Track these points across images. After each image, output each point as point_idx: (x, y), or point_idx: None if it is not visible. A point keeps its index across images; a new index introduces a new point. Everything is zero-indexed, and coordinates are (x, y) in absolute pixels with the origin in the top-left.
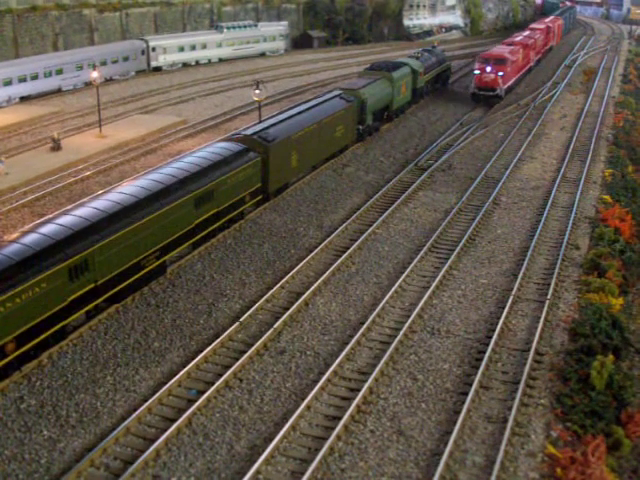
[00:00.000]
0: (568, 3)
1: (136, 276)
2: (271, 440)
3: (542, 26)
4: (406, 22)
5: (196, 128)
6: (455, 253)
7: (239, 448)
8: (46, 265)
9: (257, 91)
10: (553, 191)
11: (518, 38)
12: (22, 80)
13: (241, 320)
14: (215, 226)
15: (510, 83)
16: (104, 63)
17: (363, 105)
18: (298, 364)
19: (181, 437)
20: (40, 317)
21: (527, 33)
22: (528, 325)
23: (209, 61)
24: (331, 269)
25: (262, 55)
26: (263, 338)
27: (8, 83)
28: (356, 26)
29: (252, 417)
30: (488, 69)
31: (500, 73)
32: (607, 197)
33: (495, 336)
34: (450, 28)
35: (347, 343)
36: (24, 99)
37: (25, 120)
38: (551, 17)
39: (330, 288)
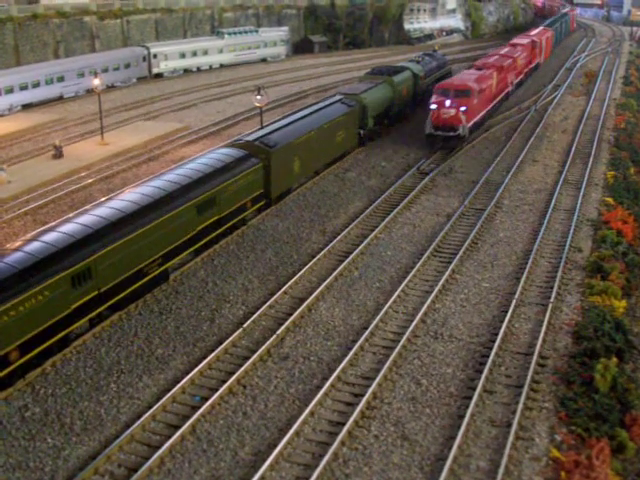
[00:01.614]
0: (568, 6)
1: (139, 283)
2: (275, 446)
3: (525, 41)
4: (407, 26)
5: (198, 134)
6: (458, 257)
7: (243, 454)
8: (49, 273)
9: (258, 97)
10: (555, 194)
11: (492, 59)
12: (24, 88)
13: (244, 326)
14: (217, 232)
15: (477, 118)
16: (105, 70)
17: (364, 110)
18: (301, 370)
19: (185, 444)
20: (43, 325)
21: (505, 51)
22: (531, 329)
23: (210, 67)
24: (334, 274)
25: (263, 61)
26: (266, 344)
27: (10, 91)
28: (357, 31)
29: (256, 423)
30: (447, 103)
31: (463, 108)
32: (609, 199)
33: (498, 340)
34: (451, 32)
35: (350, 348)
36: (26, 107)
37: (27, 128)
38: (539, 29)
39: (333, 293)
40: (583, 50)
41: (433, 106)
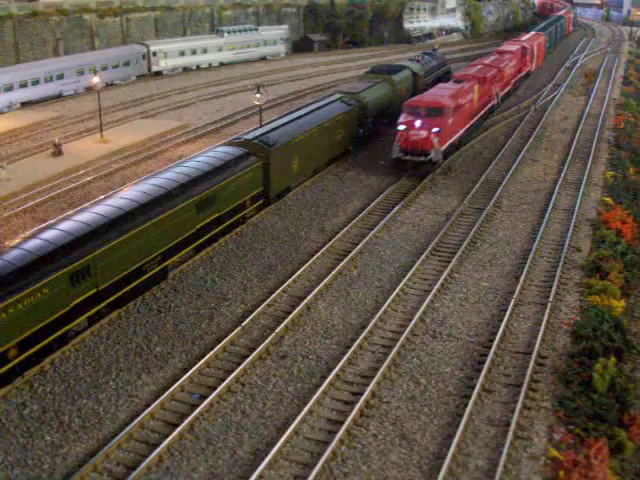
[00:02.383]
0: (567, 6)
1: (138, 281)
2: (274, 444)
3: (514, 47)
4: (406, 25)
5: (197, 132)
6: (457, 256)
7: (242, 453)
8: (48, 271)
9: (258, 95)
10: (554, 193)
11: (474, 70)
12: (23, 85)
13: (243, 325)
14: (216, 231)
15: (453, 139)
16: (105, 68)
17: (364, 108)
18: (300, 368)
19: (184, 442)
20: (42, 323)
21: (491, 60)
22: (530, 328)
23: (210, 65)
24: (333, 273)
25: (263, 59)
26: (265, 342)
27: (9, 88)
28: (356, 29)
29: (255, 421)
30: (417, 123)
31: (435, 129)
32: (608, 199)
33: (497, 339)
34: (450, 31)
35: (349, 347)
36: (25, 104)
37: (26, 125)
38: (530, 34)
39: (332, 292)
40: (580, 53)
41: (401, 127)
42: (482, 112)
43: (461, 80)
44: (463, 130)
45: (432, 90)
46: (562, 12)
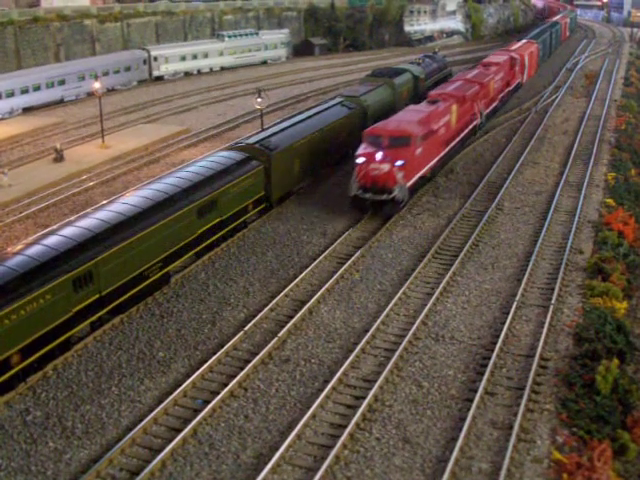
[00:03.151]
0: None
1: (140, 286)
2: (277, 449)
3: (502, 58)
4: (407, 28)
5: (199, 137)
6: (459, 259)
7: (245, 457)
8: (50, 277)
9: (259, 99)
10: (556, 195)
11: (452, 87)
12: (24, 91)
13: (245, 329)
14: (218, 235)
15: (423, 172)
16: (106, 73)
17: (365, 112)
18: (303, 372)
19: (187, 447)
20: (45, 329)
21: (473, 74)
22: (532, 330)
23: (211, 70)
24: (335, 277)
25: (264, 63)
26: (268, 347)
27: (10, 94)
28: (357, 33)
29: (258, 426)
30: (378, 156)
31: (399, 162)
32: (610, 201)
33: (500, 342)
34: (451, 33)
35: (352, 351)
36: (27, 110)
37: (28, 131)
38: (521, 42)
39: (334, 296)
40: (576, 64)
41: (360, 160)
42: (462, 135)
43: (436, 100)
44: (436, 159)
45: (399, 115)
46: (558, 17)
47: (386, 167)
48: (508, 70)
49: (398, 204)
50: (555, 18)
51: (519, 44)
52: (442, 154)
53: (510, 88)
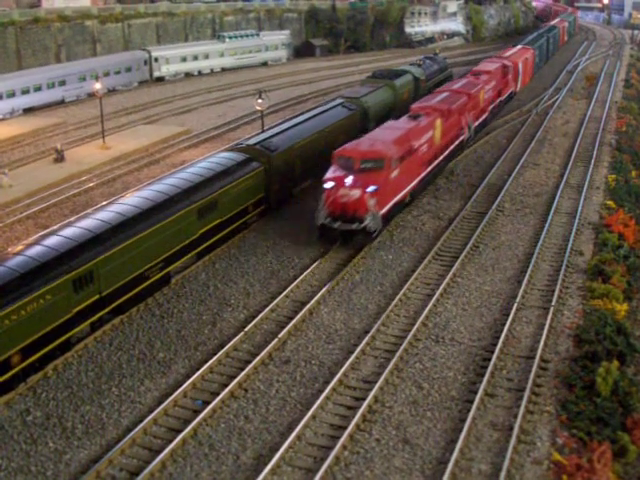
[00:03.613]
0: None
1: (140, 287)
2: (277, 450)
3: (493, 67)
4: (407, 30)
5: (199, 138)
6: (459, 260)
7: (245, 458)
8: (50, 277)
9: (260, 100)
10: (556, 197)
11: (436, 99)
12: (25, 92)
13: (246, 330)
14: (219, 236)
15: (400, 197)
16: (107, 74)
17: (366, 113)
18: (303, 373)
19: (187, 448)
20: (45, 329)
21: (461, 84)
22: (533, 332)
23: (211, 71)
24: (335, 278)
25: (264, 64)
26: (268, 348)
27: (11, 95)
28: (358, 34)
29: (257, 427)
30: (348, 180)
31: (371, 188)
32: (611, 202)
33: (500, 343)
34: (452, 35)
35: (352, 352)
36: (27, 111)
37: (28, 132)
38: (516, 48)
39: (334, 297)
40: (576, 66)
41: (328, 184)
42: (447, 151)
43: (418, 115)
44: (416, 181)
45: (374, 132)
46: (555, 21)
47: (357, 193)
48: (500, 79)
49: (370, 235)
50: (553, 22)
51: (513, 50)
52: (423, 175)
53: (502, 98)
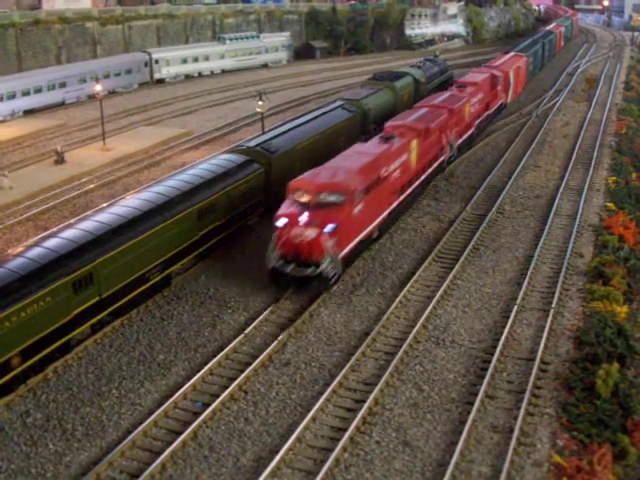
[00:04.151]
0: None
1: (141, 289)
2: (277, 452)
3: (481, 77)
4: (408, 31)
5: (200, 140)
6: (459, 263)
7: (245, 460)
8: (51, 279)
9: (260, 102)
10: (557, 199)
11: (413, 117)
12: (26, 94)
13: (246, 332)
14: (219, 238)
15: (365, 234)
16: (107, 76)
17: (366, 115)
18: (303, 376)
19: (187, 450)
20: (45, 331)
21: (443, 98)
22: (533, 334)
23: (212, 73)
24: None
25: (264, 66)
26: (268, 350)
27: (12, 97)
28: (358, 36)
29: (257, 429)
30: (303, 218)
31: (329, 227)
32: (611, 204)
33: (500, 345)
34: (452, 37)
35: (352, 354)
36: (28, 112)
37: (29, 133)
38: (508, 56)
39: (335, 299)
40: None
41: (280, 222)
42: (424, 176)
43: (391, 136)
44: (387, 212)
45: (337, 159)
46: (551, 26)
47: (312, 233)
48: (488, 90)
49: (327, 281)
50: (549, 27)
51: (504, 58)
52: (395, 204)
53: (490, 111)
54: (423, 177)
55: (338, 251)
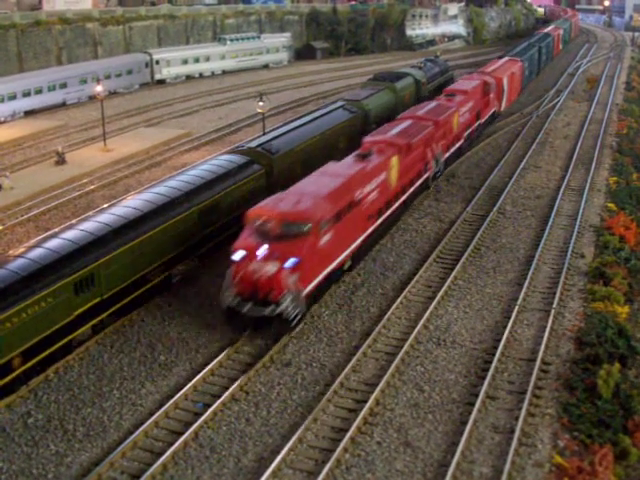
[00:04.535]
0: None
1: (142, 289)
2: (278, 453)
3: (472, 85)
4: (408, 32)
5: (201, 140)
6: (460, 263)
7: (246, 461)
8: (52, 280)
9: (261, 103)
10: (558, 200)
11: (394, 131)
12: (26, 94)
13: (247, 333)
14: (220, 238)
15: (332, 267)
16: (108, 77)
17: (367, 116)
18: (304, 376)
19: (188, 450)
20: (46, 331)
21: (428, 109)
22: (534, 334)
23: (212, 73)
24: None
25: (265, 67)
26: (269, 351)
27: (12, 97)
28: (359, 37)
29: (259, 430)
30: (262, 251)
31: (290, 261)
32: (612, 205)
33: (501, 346)
34: (453, 37)
35: (353, 354)
36: (28, 113)
37: (29, 134)
38: (502, 61)
39: (336, 299)
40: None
41: (237, 255)
42: (405, 196)
43: (368, 153)
44: (360, 240)
45: (303, 182)
46: (549, 29)
47: (272, 268)
48: (479, 98)
49: (288, 322)
50: (546, 29)
51: (498, 63)
52: (371, 229)
53: (482, 121)
54: (404, 197)
55: (301, 288)
